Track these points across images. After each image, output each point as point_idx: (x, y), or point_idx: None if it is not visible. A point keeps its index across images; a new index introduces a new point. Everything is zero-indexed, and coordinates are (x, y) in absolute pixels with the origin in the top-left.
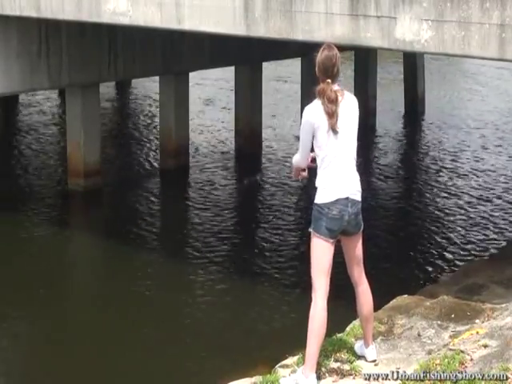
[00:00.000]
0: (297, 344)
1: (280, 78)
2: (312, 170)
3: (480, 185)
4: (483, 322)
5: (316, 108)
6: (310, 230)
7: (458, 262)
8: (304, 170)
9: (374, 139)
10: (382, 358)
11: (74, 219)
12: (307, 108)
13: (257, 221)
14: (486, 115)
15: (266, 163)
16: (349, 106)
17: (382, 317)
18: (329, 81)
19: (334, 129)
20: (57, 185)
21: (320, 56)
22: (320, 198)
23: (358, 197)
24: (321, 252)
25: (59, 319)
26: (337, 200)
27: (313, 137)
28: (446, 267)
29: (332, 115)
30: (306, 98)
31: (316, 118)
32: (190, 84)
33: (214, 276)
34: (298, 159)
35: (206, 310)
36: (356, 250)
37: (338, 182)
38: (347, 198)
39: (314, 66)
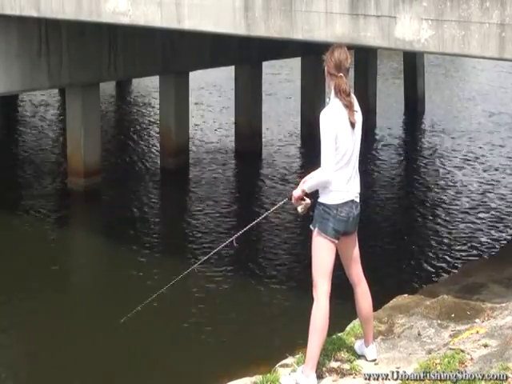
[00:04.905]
0: (297, 343)
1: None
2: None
3: (481, 184)
4: (483, 322)
5: (333, 109)
6: (313, 228)
7: (458, 262)
8: (308, 196)
9: (373, 138)
10: (382, 357)
11: (73, 219)
12: (325, 112)
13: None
14: (486, 113)
15: (265, 163)
16: (356, 105)
17: (382, 316)
18: (341, 75)
19: (352, 122)
20: (57, 184)
21: (332, 53)
22: (329, 198)
23: (358, 199)
24: (325, 252)
25: (58, 318)
26: (346, 202)
27: None
28: (445, 267)
29: (351, 107)
30: (306, 97)
31: (336, 119)
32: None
33: (215, 275)
34: (326, 170)
35: (206, 309)
36: (354, 248)
37: (348, 184)
38: (352, 201)
39: (323, 65)
